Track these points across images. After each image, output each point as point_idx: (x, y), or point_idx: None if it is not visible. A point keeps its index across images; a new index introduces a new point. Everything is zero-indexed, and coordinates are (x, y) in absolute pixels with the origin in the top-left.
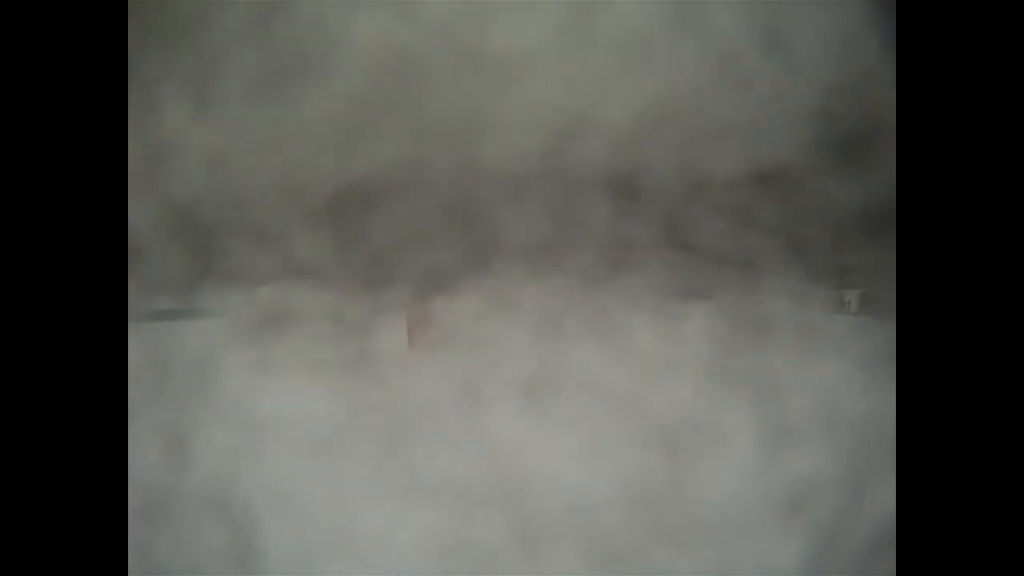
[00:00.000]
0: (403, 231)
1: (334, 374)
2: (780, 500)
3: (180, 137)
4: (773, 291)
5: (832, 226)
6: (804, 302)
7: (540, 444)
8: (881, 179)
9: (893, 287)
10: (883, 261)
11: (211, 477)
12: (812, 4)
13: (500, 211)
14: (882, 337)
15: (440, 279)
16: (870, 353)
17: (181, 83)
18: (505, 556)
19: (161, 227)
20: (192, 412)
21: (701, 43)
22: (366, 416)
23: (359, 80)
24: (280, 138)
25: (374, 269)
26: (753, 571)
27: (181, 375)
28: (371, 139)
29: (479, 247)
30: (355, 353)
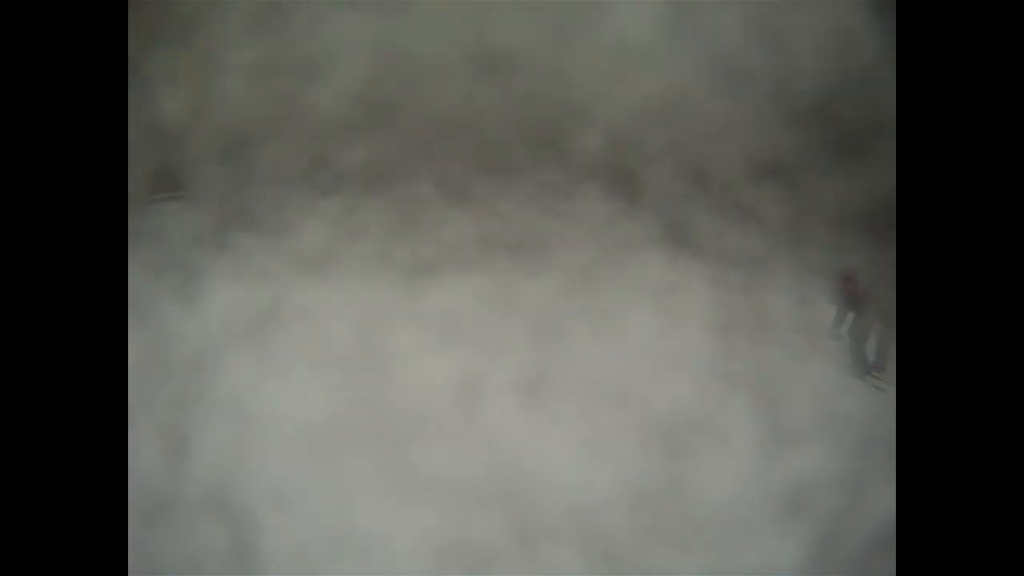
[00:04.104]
0: (402, 226)
1: (334, 372)
2: (780, 500)
3: (180, 136)
4: (773, 289)
5: (832, 223)
6: (804, 300)
7: (540, 443)
8: (880, 177)
9: (893, 286)
10: (882, 259)
11: (211, 477)
12: (812, 4)
13: (499, 208)
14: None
15: (438, 274)
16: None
17: (181, 83)
18: (505, 555)
19: (161, 225)
20: (192, 412)
21: (701, 42)
22: (366, 415)
23: (359, 80)
24: (279, 136)
25: (373, 264)
26: (753, 571)
27: (181, 374)
28: (371, 136)
29: (478, 243)
30: (355, 351)
